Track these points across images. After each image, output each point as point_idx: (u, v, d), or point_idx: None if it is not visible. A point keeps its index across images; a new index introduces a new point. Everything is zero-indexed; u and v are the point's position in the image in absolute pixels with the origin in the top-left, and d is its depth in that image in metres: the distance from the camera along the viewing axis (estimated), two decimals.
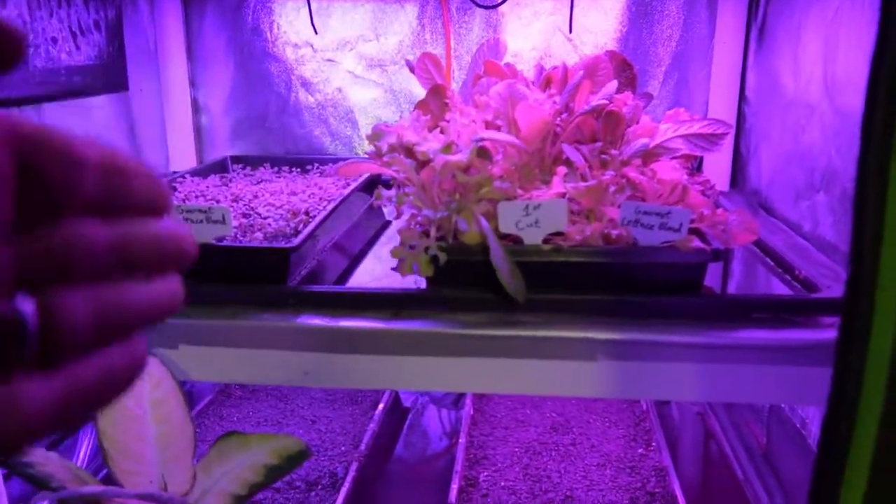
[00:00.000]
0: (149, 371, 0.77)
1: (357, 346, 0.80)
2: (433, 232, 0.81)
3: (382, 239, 1.13)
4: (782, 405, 1.15)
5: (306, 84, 1.48)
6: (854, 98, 0.96)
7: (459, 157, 0.80)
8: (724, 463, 1.23)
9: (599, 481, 1.11)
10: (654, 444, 1.21)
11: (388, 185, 0.92)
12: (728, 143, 1.34)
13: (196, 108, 1.52)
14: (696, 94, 1.40)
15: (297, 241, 0.85)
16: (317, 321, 0.81)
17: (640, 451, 1.19)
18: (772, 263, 0.97)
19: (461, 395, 1.50)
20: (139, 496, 0.61)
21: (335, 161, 1.39)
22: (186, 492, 0.73)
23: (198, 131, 1.53)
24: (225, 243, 0.84)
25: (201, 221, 0.82)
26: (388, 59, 1.45)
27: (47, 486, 0.67)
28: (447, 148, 0.82)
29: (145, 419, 0.73)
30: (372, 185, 1.22)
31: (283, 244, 0.85)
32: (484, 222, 0.79)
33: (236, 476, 0.76)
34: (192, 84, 1.50)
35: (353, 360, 0.81)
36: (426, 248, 0.78)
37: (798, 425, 1.10)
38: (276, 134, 1.51)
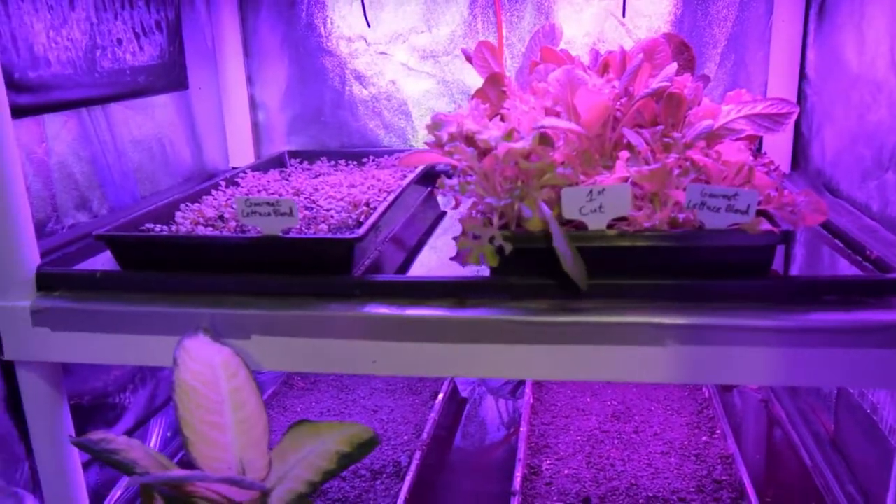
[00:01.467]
0: (224, 361, 0.79)
1: (423, 334, 0.82)
2: (496, 220, 0.82)
3: (438, 230, 1.14)
4: (851, 390, 1.13)
5: (360, 77, 1.50)
6: None
7: (522, 145, 0.80)
8: (792, 450, 1.21)
9: (664, 469, 1.11)
10: (718, 431, 1.20)
11: (449, 176, 0.93)
12: (791, 123, 1.31)
13: (253, 105, 1.55)
14: (754, 75, 1.37)
15: (361, 231, 0.86)
16: (383, 310, 0.82)
17: (704, 438, 1.18)
18: (841, 245, 0.95)
19: (518, 385, 1.50)
20: (222, 480, 0.63)
21: (390, 153, 1.40)
22: (263, 478, 0.75)
23: (255, 127, 1.56)
24: (291, 235, 0.86)
25: (269, 214, 0.84)
26: (441, 51, 1.46)
27: (133, 472, 0.69)
28: (509, 135, 0.82)
29: (223, 407, 0.75)
30: (427, 176, 1.23)
31: (348, 235, 0.87)
32: (546, 209, 0.79)
33: (310, 463, 0.77)
34: (249, 81, 1.53)
35: (419, 349, 0.82)
36: (491, 238, 0.79)
37: (868, 411, 1.07)
38: (332, 128, 1.53)
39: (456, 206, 0.88)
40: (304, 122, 1.54)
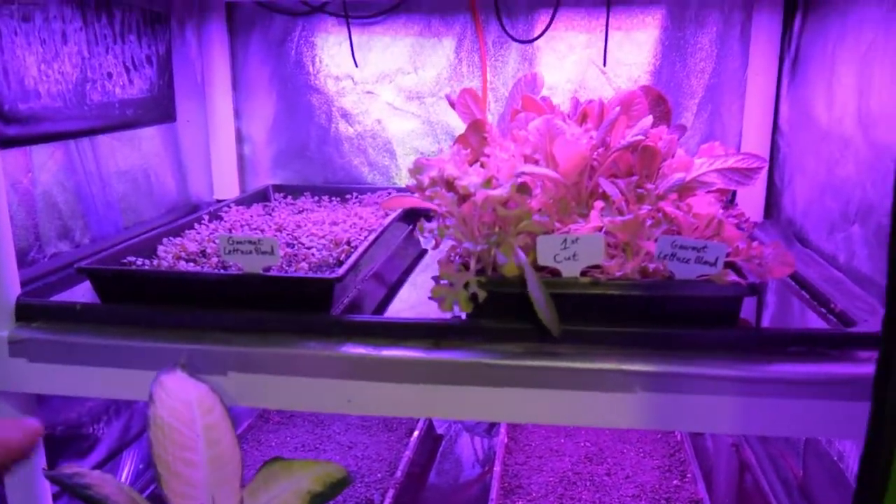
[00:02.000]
0: (200, 397, 0.80)
1: (398, 375, 0.83)
2: (473, 264, 0.84)
3: (419, 267, 1.16)
4: (819, 438, 1.15)
5: (346, 115, 1.52)
6: (888, 132, 0.97)
7: (500, 192, 0.82)
8: (761, 495, 1.23)
9: None
10: (689, 475, 1.21)
11: (428, 217, 0.95)
12: (762, 175, 1.35)
13: (240, 138, 1.57)
14: (729, 126, 1.41)
15: (341, 271, 0.88)
16: (360, 350, 0.83)
17: (675, 482, 1.20)
18: (807, 296, 0.98)
19: (494, 423, 1.51)
20: None
21: (374, 191, 1.42)
22: None
23: (241, 160, 1.58)
24: (272, 273, 0.87)
25: (250, 252, 0.86)
26: (427, 92, 1.49)
27: None
28: (488, 182, 0.85)
29: (197, 444, 0.76)
30: (410, 215, 1.25)
31: (328, 274, 0.88)
32: (522, 255, 0.81)
33: (282, 502, 0.78)
34: (237, 115, 1.55)
35: (394, 389, 0.83)
36: (465, 285, 0.81)
37: (835, 458, 1.09)
38: (317, 163, 1.55)
39: (436, 247, 0.90)
40: (290, 157, 1.56)
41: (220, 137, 1.53)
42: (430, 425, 1.49)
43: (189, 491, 0.73)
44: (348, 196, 1.40)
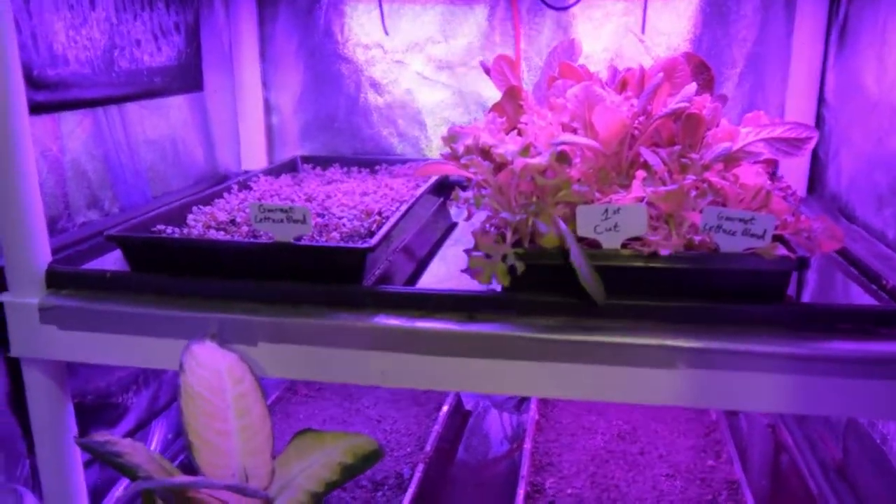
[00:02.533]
0: (229, 366, 0.78)
1: (432, 347, 0.81)
2: (510, 235, 0.81)
3: (449, 241, 1.13)
4: (861, 420, 1.11)
5: (375, 85, 1.49)
6: None
7: (538, 160, 0.79)
8: (798, 477, 1.20)
9: (669, 492, 1.09)
10: (724, 455, 1.19)
11: (463, 187, 0.92)
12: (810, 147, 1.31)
13: (268, 109, 1.55)
14: (771, 97, 1.37)
15: (373, 241, 0.85)
16: (393, 321, 0.81)
17: (710, 462, 1.17)
18: (856, 272, 0.94)
19: (523, 400, 1.49)
20: (226, 487, 0.63)
21: (403, 162, 1.40)
22: (266, 486, 0.74)
23: (269, 131, 1.56)
24: (303, 242, 0.86)
25: (282, 221, 0.84)
26: (457, 61, 1.45)
27: (135, 476, 0.69)
28: (525, 150, 0.82)
29: (228, 413, 0.75)
30: (441, 187, 1.22)
31: (360, 244, 0.86)
32: (563, 225, 0.79)
33: (313, 473, 0.77)
34: (265, 85, 1.53)
35: (428, 362, 0.81)
36: (504, 257, 0.78)
37: (878, 440, 1.06)
38: (345, 134, 1.52)
39: (469, 218, 0.88)
40: (318, 128, 1.54)
41: (247, 108, 1.51)
42: (458, 401, 1.47)
43: (220, 460, 0.72)
44: (378, 167, 1.38)
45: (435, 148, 1.49)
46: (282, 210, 0.83)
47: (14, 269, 0.89)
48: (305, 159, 1.43)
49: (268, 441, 0.77)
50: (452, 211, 1.27)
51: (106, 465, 1.15)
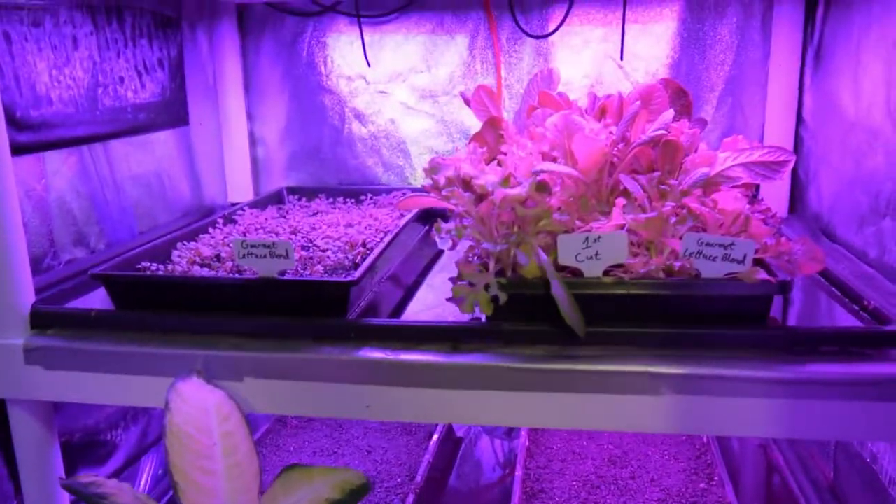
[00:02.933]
0: (217, 404, 0.78)
1: (417, 379, 0.81)
2: (492, 265, 0.82)
3: (435, 268, 1.13)
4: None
5: (359, 116, 1.51)
6: None
7: (518, 191, 0.80)
8: (790, 498, 1.20)
9: None
10: (716, 478, 1.18)
11: (445, 218, 0.93)
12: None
13: (253, 140, 1.56)
14: (751, 119, 1.38)
15: (357, 274, 0.86)
16: (378, 354, 0.81)
17: (702, 485, 1.17)
18: (838, 293, 0.95)
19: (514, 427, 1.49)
20: None
21: (388, 191, 1.41)
22: None
23: (254, 162, 1.56)
24: (287, 277, 0.86)
25: (265, 256, 0.84)
26: (440, 90, 1.47)
27: None
28: (506, 181, 0.83)
29: (214, 452, 0.74)
30: (425, 215, 1.23)
31: (343, 278, 0.86)
32: (543, 256, 0.79)
33: None
34: (249, 117, 1.54)
35: (413, 394, 0.81)
36: (486, 286, 0.79)
37: (868, 460, 1.06)
38: (331, 165, 1.53)
39: (453, 247, 0.88)
40: (303, 159, 1.55)
41: (233, 140, 1.52)
42: (449, 428, 1.47)
43: (206, 500, 0.72)
44: (363, 197, 1.39)
45: (419, 176, 1.50)
46: (265, 245, 0.84)
47: None
48: (291, 190, 1.44)
49: (255, 479, 0.76)
50: (438, 239, 1.28)
51: None
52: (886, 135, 1.02)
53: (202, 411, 0.76)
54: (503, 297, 0.77)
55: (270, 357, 0.83)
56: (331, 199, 1.38)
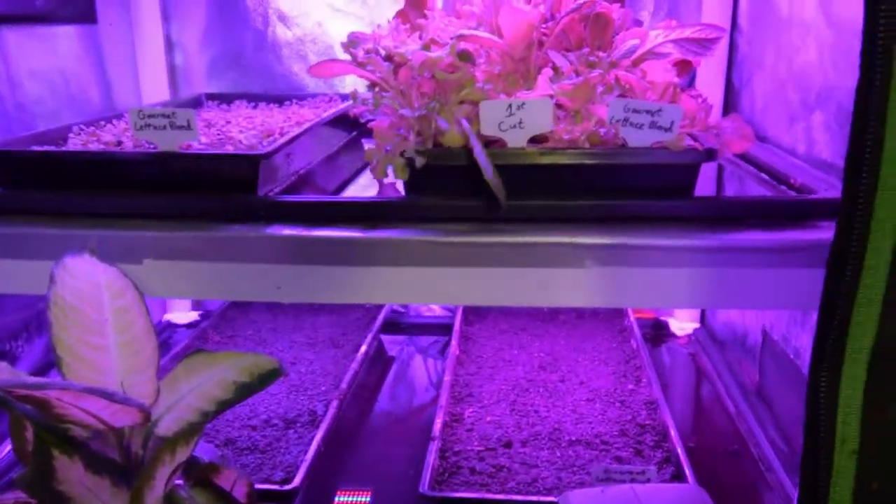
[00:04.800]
0: (109, 280, 0.72)
1: (332, 256, 0.76)
2: (412, 137, 0.77)
3: (362, 177, 1.08)
4: (775, 338, 1.12)
5: (284, 18, 1.42)
6: (849, 6, 0.92)
7: (440, 53, 0.75)
8: (717, 398, 1.20)
9: (588, 415, 1.08)
10: (644, 379, 1.18)
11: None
12: (721, 69, 1.30)
13: (169, 45, 1.46)
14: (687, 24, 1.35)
15: (268, 148, 0.80)
16: (288, 231, 0.76)
17: (630, 386, 1.16)
18: (766, 177, 0.93)
19: (447, 344, 1.46)
20: (89, 391, 0.57)
21: (314, 96, 1.33)
22: (150, 405, 0.68)
23: (172, 69, 1.47)
24: (192, 151, 0.79)
25: (164, 128, 0.78)
26: None
27: None
28: (426, 46, 0.77)
29: (106, 328, 0.68)
30: (355, 124, 1.16)
31: (254, 152, 0.80)
32: (465, 122, 0.75)
33: (204, 392, 0.71)
34: (165, 18, 1.44)
35: (327, 273, 0.77)
36: (402, 152, 0.74)
37: (792, 356, 1.06)
38: (255, 72, 1.45)
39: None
40: (225, 65, 1.46)
41: (146, 44, 1.42)
42: (380, 345, 1.43)
43: (95, 377, 0.66)
44: (287, 102, 1.31)
45: (349, 85, 1.44)
46: (164, 115, 0.77)
47: None
48: (211, 96, 1.35)
49: (152, 359, 0.71)
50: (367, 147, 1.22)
51: None
52: (819, 27, 1.00)
53: (92, 286, 0.70)
54: (420, 162, 0.73)
55: (171, 236, 0.76)
56: (252, 104, 1.30)
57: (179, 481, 0.73)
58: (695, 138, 0.79)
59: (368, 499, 1.00)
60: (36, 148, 0.86)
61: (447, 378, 1.16)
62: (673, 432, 1.00)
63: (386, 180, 0.82)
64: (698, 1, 1.33)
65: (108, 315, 0.69)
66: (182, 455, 0.65)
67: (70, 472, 0.63)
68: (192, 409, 0.70)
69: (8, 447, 1.10)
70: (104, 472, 0.64)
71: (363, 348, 1.29)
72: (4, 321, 1.09)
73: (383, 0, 1.39)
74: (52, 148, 0.87)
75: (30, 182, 0.82)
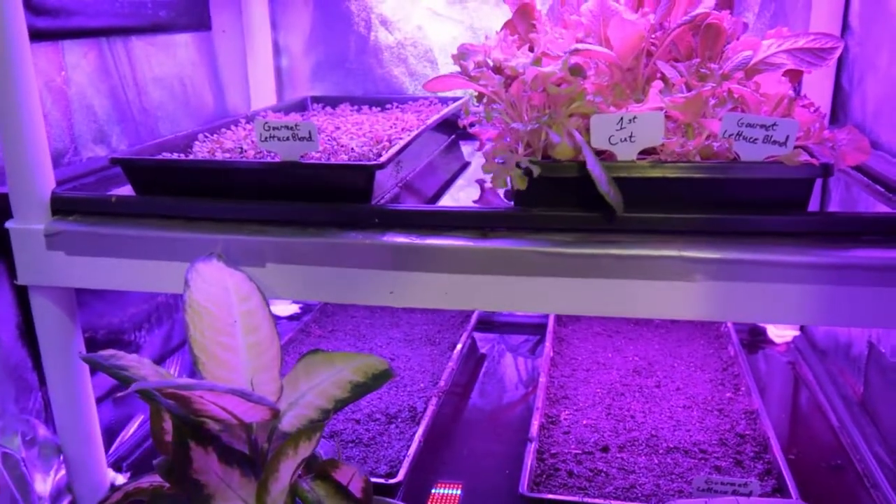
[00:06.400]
0: (236, 284, 0.77)
1: (443, 264, 0.79)
2: (522, 149, 0.79)
3: (460, 180, 1.10)
4: (883, 350, 1.09)
5: (386, 22, 1.46)
6: None
7: (551, 69, 0.76)
8: (818, 409, 1.18)
9: (686, 422, 1.08)
10: (742, 388, 1.16)
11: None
12: (830, 72, 1.26)
13: (277, 50, 1.52)
14: (794, 25, 1.32)
15: (382, 158, 0.83)
16: (403, 239, 0.79)
17: (728, 394, 1.15)
18: (881, 189, 0.91)
19: (538, 343, 1.47)
20: (231, 392, 0.62)
21: (415, 100, 1.37)
22: (275, 402, 0.73)
23: (278, 72, 1.53)
24: (311, 160, 0.84)
25: (287, 139, 0.82)
26: None
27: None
28: (538, 61, 0.79)
29: (235, 329, 0.73)
30: (453, 126, 1.19)
31: (368, 162, 0.84)
32: (577, 134, 0.76)
33: (322, 391, 0.75)
34: (273, 25, 1.50)
35: (438, 280, 0.80)
36: (518, 163, 0.76)
37: None
38: (356, 74, 1.50)
39: (481, 148, 0.85)
40: (328, 69, 1.51)
41: (256, 49, 1.49)
42: (472, 343, 1.46)
43: (227, 375, 0.71)
44: (388, 106, 1.35)
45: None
46: (287, 127, 0.81)
47: (18, 196, 0.88)
48: (315, 99, 1.40)
49: (276, 359, 0.75)
50: (465, 151, 1.25)
51: (119, 402, 1.15)
52: None
53: (222, 289, 0.75)
54: (536, 171, 0.74)
55: (293, 241, 0.81)
56: (356, 107, 1.35)
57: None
58: (808, 150, 0.78)
59: (459, 492, 1.03)
60: (167, 156, 0.93)
61: (542, 379, 1.18)
62: (774, 444, 0.98)
63: (486, 185, 0.85)
64: (807, 2, 1.29)
65: (237, 317, 0.74)
66: (305, 451, 0.69)
67: (205, 461, 0.68)
68: (313, 406, 0.74)
69: (131, 430, 1.18)
70: (235, 463, 0.69)
71: (459, 346, 1.32)
72: (131, 313, 1.17)
73: (482, 5, 1.40)
74: (182, 156, 0.93)
75: (163, 188, 0.88)
